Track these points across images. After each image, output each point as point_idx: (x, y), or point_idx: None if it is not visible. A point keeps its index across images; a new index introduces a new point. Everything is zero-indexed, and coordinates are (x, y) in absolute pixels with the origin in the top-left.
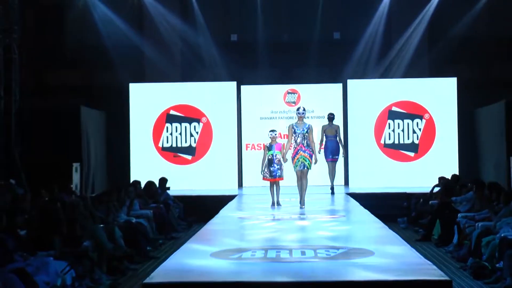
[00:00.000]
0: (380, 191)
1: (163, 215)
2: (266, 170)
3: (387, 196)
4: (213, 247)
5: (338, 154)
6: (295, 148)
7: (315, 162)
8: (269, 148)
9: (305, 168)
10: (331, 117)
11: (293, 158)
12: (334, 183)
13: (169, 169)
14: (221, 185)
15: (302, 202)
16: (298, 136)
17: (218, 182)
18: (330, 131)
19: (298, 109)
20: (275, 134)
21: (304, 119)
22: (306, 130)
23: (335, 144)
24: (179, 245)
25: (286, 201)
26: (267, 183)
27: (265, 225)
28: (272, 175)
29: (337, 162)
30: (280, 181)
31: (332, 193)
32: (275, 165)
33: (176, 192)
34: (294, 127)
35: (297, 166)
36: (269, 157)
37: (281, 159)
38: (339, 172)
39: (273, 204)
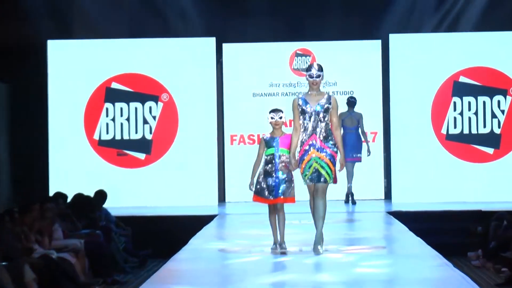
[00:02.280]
0: (439, 209)
1: (101, 247)
2: (261, 182)
3: (451, 216)
4: None
5: (360, 152)
6: (304, 141)
7: (341, 169)
8: (268, 142)
9: (322, 181)
10: (352, 101)
11: (300, 160)
12: (366, 197)
13: (110, 176)
14: (193, 199)
15: (316, 242)
16: (310, 119)
17: (187, 195)
18: (350, 121)
19: (309, 68)
20: (281, 118)
21: (320, 87)
22: (324, 107)
23: (356, 138)
24: None
25: (293, 224)
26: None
27: (262, 265)
28: (272, 193)
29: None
30: (286, 204)
31: (353, 202)
32: (279, 174)
33: (121, 211)
34: (302, 101)
35: (306, 175)
36: (268, 158)
37: (290, 163)
38: (376, 181)
39: (274, 244)
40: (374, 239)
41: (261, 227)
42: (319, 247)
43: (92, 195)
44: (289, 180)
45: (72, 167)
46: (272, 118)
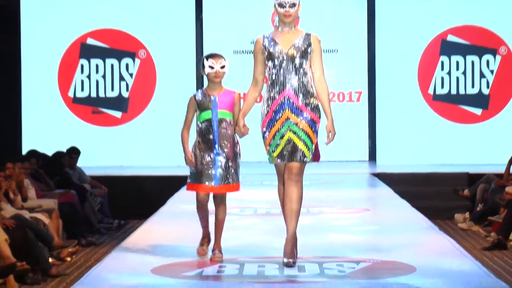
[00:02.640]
0: (425, 171)
1: (76, 207)
2: (196, 163)
3: (438, 178)
4: (156, 257)
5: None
6: (272, 100)
7: (330, 140)
8: (201, 103)
9: (298, 159)
10: None
11: (266, 128)
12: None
13: (85, 134)
14: (171, 159)
15: (287, 250)
16: (280, 67)
17: (165, 154)
18: None
19: None
20: (223, 68)
21: (294, 23)
22: (301, 49)
23: None
24: (100, 255)
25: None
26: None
27: (240, 223)
28: (207, 178)
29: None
30: (227, 194)
31: None
32: (218, 150)
33: (96, 171)
34: (268, 42)
35: (275, 151)
36: (202, 126)
37: (236, 133)
38: (360, 142)
39: (202, 245)
40: (358, 201)
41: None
42: (288, 259)
43: (64, 152)
44: (233, 159)
45: (46, 126)
46: (210, 67)
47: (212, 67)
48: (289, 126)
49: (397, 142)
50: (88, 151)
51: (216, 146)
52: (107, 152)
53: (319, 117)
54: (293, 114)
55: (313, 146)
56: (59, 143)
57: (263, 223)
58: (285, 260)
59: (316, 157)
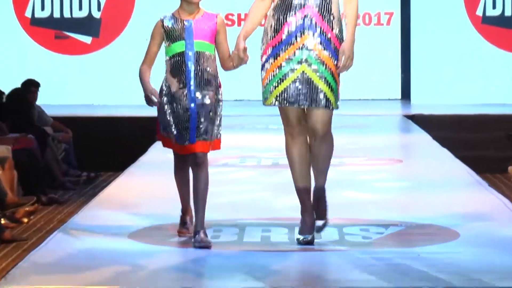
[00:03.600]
0: (472, 112)
1: (34, 155)
2: (163, 109)
3: (487, 121)
4: (135, 219)
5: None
6: (283, 20)
7: (344, 65)
8: (171, 31)
9: (320, 103)
10: None
11: (269, 56)
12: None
13: (46, 64)
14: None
15: (307, 223)
16: None
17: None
18: None
19: None
20: None
21: None
22: None
23: None
24: (65, 216)
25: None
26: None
27: (239, 176)
28: (183, 134)
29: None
30: (207, 153)
31: None
32: (196, 94)
33: (60, 110)
34: None
35: (276, 87)
36: (172, 62)
37: (237, 51)
38: (391, 76)
39: (184, 223)
40: (388, 150)
41: (247, 130)
42: (305, 236)
43: (20, 88)
44: (214, 107)
45: None
46: None
47: None
48: (305, 57)
49: (436, 76)
50: (49, 86)
51: (192, 89)
52: (73, 87)
53: (341, 41)
54: (314, 41)
55: (336, 88)
56: (14, 75)
57: (268, 176)
58: (300, 237)
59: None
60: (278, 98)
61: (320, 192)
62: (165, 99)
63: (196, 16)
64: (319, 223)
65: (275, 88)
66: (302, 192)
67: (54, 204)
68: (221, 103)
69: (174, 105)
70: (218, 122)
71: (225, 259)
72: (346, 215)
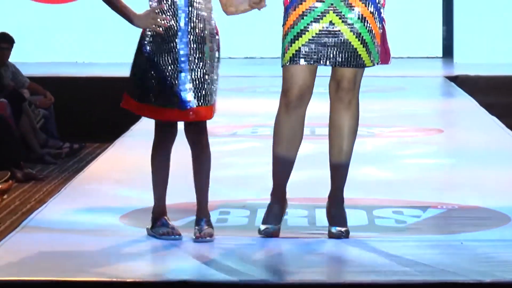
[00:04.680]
0: None
1: (7, 124)
2: (145, 66)
3: None
4: (127, 199)
5: None
6: None
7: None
8: None
9: (352, 64)
10: None
11: (290, 4)
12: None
13: (22, 13)
14: None
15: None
16: None
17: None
18: None
19: None
20: None
21: None
22: None
23: None
24: (44, 195)
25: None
26: None
27: (249, 147)
28: (172, 98)
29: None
30: (203, 122)
31: None
32: (187, 45)
33: (38, 69)
34: None
35: (295, 42)
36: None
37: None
38: (431, 31)
39: (163, 225)
40: (426, 118)
41: (258, 94)
42: (337, 229)
43: None
44: (211, 61)
45: None
46: None
47: None
48: (332, 5)
49: (483, 31)
50: (26, 40)
51: (185, 37)
52: (54, 41)
53: None
54: None
55: (377, 43)
56: None
57: None
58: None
59: (385, 56)
60: (296, 58)
61: (340, 178)
62: (147, 48)
63: None
64: (339, 229)
65: (293, 43)
66: (280, 169)
67: (32, 181)
68: (218, 55)
69: (163, 57)
70: (218, 77)
71: (234, 246)
72: (376, 195)
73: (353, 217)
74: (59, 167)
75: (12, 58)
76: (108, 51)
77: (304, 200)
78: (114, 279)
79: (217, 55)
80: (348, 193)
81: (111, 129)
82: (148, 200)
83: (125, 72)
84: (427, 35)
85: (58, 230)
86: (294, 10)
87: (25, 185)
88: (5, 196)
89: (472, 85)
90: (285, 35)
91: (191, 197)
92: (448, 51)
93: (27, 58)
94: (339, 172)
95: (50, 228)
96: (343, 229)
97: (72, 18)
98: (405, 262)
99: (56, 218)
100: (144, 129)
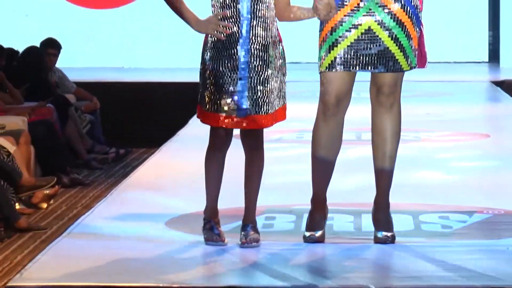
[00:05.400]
0: None
1: (54, 130)
2: (208, 71)
3: None
4: (173, 204)
5: None
6: None
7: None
8: None
9: (390, 68)
10: None
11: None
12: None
13: (67, 18)
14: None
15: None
16: None
17: (190, 50)
18: None
19: None
20: None
21: None
22: None
23: None
24: (91, 200)
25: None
26: None
27: (295, 153)
28: (227, 103)
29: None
30: (259, 130)
31: None
32: (249, 53)
33: (85, 74)
34: None
35: (333, 49)
36: (219, 6)
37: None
38: (478, 35)
39: (210, 228)
40: (472, 123)
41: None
42: (383, 233)
43: (38, 47)
44: (276, 67)
45: (10, 5)
46: None
47: None
48: (371, 10)
49: None
50: (72, 45)
51: (246, 44)
52: (100, 46)
53: None
54: None
55: (413, 47)
56: (29, 31)
57: None
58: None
59: (421, 60)
60: (335, 65)
61: (387, 202)
62: (208, 55)
63: None
64: (385, 234)
65: (331, 50)
66: (320, 176)
67: (78, 186)
68: (285, 65)
69: (223, 63)
70: (279, 89)
71: (280, 252)
72: (422, 200)
73: (399, 222)
74: (105, 173)
75: (59, 63)
76: (154, 56)
77: (350, 205)
78: (161, 285)
79: (280, 62)
80: (394, 198)
81: (158, 134)
82: (193, 206)
83: (170, 77)
84: (473, 40)
85: (104, 236)
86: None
87: (72, 191)
88: (51, 201)
89: None
90: (322, 42)
91: (238, 203)
92: (494, 56)
93: (74, 63)
94: (383, 176)
95: (97, 234)
96: (389, 234)
97: (118, 23)
98: (451, 267)
99: (102, 224)
100: (191, 134)
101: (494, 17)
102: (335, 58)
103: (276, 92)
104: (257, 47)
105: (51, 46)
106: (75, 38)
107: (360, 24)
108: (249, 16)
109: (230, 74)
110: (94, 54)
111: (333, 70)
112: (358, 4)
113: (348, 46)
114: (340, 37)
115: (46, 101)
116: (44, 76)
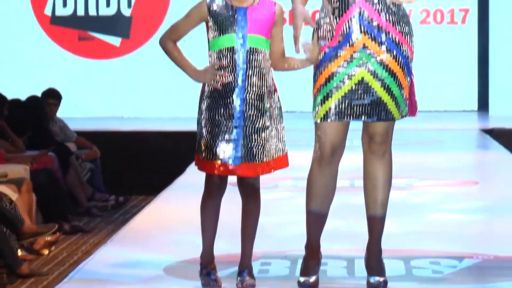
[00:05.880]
0: None
1: (55, 178)
2: (204, 119)
3: None
4: (171, 251)
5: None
6: (336, 16)
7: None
8: (217, 19)
9: (382, 117)
10: None
11: (321, 64)
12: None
13: (68, 69)
14: (192, 107)
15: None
16: None
17: (185, 99)
18: None
19: None
20: None
21: None
22: None
23: None
24: (91, 246)
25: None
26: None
27: (289, 201)
28: (223, 150)
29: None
30: (255, 177)
31: None
32: (244, 103)
33: (85, 124)
34: None
35: (327, 99)
36: (217, 60)
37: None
38: (467, 84)
39: (207, 273)
40: (462, 170)
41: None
42: (375, 278)
43: (39, 96)
44: (270, 116)
45: (13, 56)
46: None
47: None
48: (364, 60)
49: None
50: (73, 95)
51: (241, 93)
52: (100, 96)
53: (413, 41)
54: (371, 40)
55: (405, 96)
56: (31, 82)
57: None
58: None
59: (412, 108)
60: (329, 115)
61: (378, 248)
62: (205, 104)
63: (252, 3)
64: (378, 279)
65: (325, 100)
66: (314, 224)
67: (78, 233)
68: (281, 112)
69: (219, 112)
70: (276, 137)
71: None
72: (413, 245)
73: (391, 267)
74: (105, 219)
75: (60, 113)
76: (153, 106)
77: (344, 251)
78: None
79: (276, 111)
80: (386, 244)
81: (156, 181)
82: (191, 252)
83: (169, 126)
84: (462, 89)
85: (104, 281)
86: (326, 67)
87: (72, 237)
88: (53, 248)
89: (508, 138)
90: (317, 92)
91: (234, 249)
92: (483, 104)
93: (74, 113)
94: (375, 223)
95: (97, 279)
96: (381, 279)
97: (117, 73)
98: None
99: (103, 270)
100: (189, 181)
101: (482, 65)
102: (330, 108)
103: (273, 140)
104: (253, 96)
105: (52, 96)
106: (75, 88)
107: (354, 75)
108: (245, 66)
109: (226, 122)
110: (94, 103)
111: (328, 120)
112: (351, 55)
113: (342, 96)
114: (334, 87)
115: (48, 150)
116: (45, 125)
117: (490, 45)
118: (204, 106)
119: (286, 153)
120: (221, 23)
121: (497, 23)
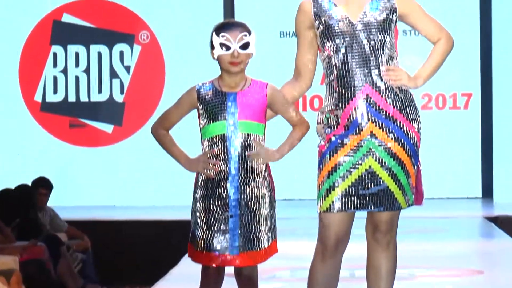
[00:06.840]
0: None
1: (45, 269)
2: (197, 210)
3: None
4: None
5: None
6: (340, 107)
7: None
8: (207, 106)
9: (389, 207)
10: None
11: (326, 152)
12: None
13: (59, 158)
14: (185, 196)
15: None
16: (351, 47)
17: (178, 188)
18: None
19: None
20: (246, 48)
21: None
22: (384, 11)
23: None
24: None
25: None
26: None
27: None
28: (219, 242)
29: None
30: (253, 266)
31: None
32: (238, 192)
33: (76, 213)
34: (320, 4)
35: (333, 189)
36: (209, 148)
37: (263, 164)
38: (470, 171)
39: None
40: (466, 259)
41: (286, 235)
42: None
43: (29, 185)
44: (264, 205)
45: (2, 144)
46: (224, 46)
47: (226, 46)
48: (371, 150)
49: None
50: (63, 184)
51: (235, 181)
52: (91, 185)
53: (420, 128)
54: (379, 128)
55: (411, 185)
56: (21, 170)
57: None
58: None
59: (418, 197)
60: (336, 205)
61: None
62: (199, 193)
63: (242, 87)
64: None
65: (331, 190)
66: None
67: None
68: (274, 198)
69: (214, 202)
70: (270, 223)
71: None
72: None
73: None
74: None
75: (50, 202)
76: (145, 194)
77: None
78: None
79: (270, 197)
80: None
81: (149, 272)
82: None
83: (161, 215)
84: (466, 175)
85: None
86: (332, 156)
87: None
88: None
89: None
90: (322, 182)
91: None
92: (487, 192)
93: (65, 202)
94: None
95: None
96: None
97: (108, 160)
98: None
99: None
100: (183, 273)
101: (486, 151)
102: (335, 199)
103: (268, 226)
104: (247, 183)
105: (42, 186)
106: (66, 176)
107: (361, 164)
108: (237, 153)
109: (221, 212)
110: (86, 192)
111: (333, 211)
112: (358, 143)
113: (348, 186)
114: (340, 177)
115: (38, 239)
116: (33, 214)
117: (494, 130)
118: (198, 196)
119: (275, 239)
120: (211, 110)
121: (500, 108)
